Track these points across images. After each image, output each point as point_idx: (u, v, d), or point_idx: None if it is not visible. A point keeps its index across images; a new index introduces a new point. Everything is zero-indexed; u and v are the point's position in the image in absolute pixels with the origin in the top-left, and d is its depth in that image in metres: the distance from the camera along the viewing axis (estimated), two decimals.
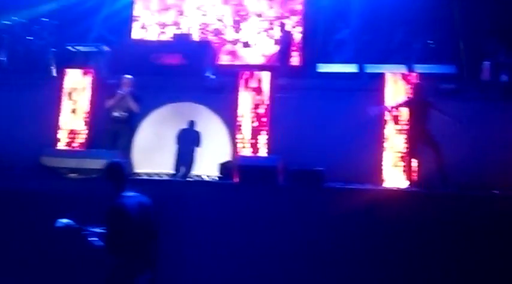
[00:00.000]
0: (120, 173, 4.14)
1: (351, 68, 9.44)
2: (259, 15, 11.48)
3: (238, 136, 8.49)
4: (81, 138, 8.56)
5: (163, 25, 11.69)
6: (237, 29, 11.52)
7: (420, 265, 5.71)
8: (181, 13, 11.71)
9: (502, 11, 9.29)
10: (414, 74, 8.31)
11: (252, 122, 8.47)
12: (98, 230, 4.08)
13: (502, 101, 8.24)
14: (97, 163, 6.65)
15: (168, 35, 11.35)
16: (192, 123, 8.76)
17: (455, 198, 6.12)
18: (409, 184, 7.34)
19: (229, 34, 11.52)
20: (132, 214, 3.98)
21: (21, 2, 10.23)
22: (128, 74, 8.37)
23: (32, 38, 9.84)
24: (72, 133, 8.58)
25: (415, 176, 7.47)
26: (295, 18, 11.32)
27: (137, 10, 11.76)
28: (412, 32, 9.80)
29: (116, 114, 7.59)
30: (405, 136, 7.55)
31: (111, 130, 7.60)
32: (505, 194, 6.23)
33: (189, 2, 11.72)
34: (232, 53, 11.44)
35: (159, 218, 4.26)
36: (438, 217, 5.83)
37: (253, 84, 8.62)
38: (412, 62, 8.99)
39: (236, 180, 6.62)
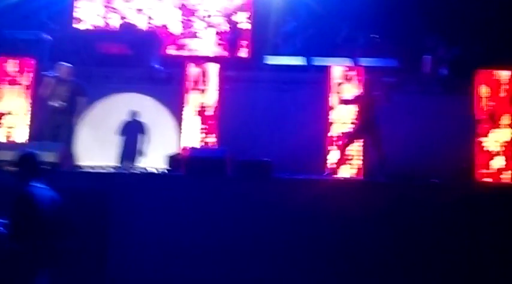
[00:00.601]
0: (32, 164, 4.09)
1: (298, 61, 9.55)
2: (208, 7, 11.39)
3: (186, 127, 8.42)
4: (23, 130, 8.23)
5: (108, 13, 11.35)
6: (186, 20, 11.37)
7: (366, 252, 5.89)
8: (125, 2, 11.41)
9: (441, 7, 9.67)
10: (359, 68, 8.53)
11: (200, 114, 8.42)
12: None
13: (441, 94, 8.62)
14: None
15: (113, 24, 11.04)
16: (134, 114, 8.60)
17: (396, 187, 6.34)
18: (353, 174, 7.56)
19: (177, 24, 11.35)
20: (40, 205, 3.92)
21: None
22: (71, 64, 8.09)
23: None
24: (13, 125, 8.23)
25: (359, 166, 7.70)
26: (243, 11, 11.30)
27: None
28: (357, 26, 10.03)
29: (54, 104, 7.29)
30: (351, 128, 7.73)
31: (51, 122, 7.31)
32: (443, 183, 6.53)
33: None
34: (181, 44, 11.28)
35: (69, 218, 4.15)
36: (381, 205, 6.02)
37: (200, 74, 8.55)
38: (356, 55, 9.21)
39: (184, 171, 6.58)
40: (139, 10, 11.24)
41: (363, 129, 7.30)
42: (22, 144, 7.64)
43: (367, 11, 10.01)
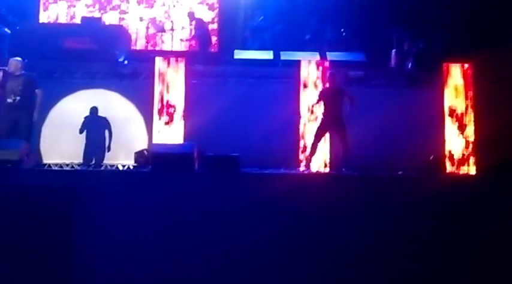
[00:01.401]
0: None
1: (266, 55, 9.53)
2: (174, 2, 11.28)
3: (153, 123, 8.30)
4: None
5: (72, 7, 11.11)
6: (152, 13, 11.23)
7: (336, 245, 5.90)
8: None
9: (406, 2, 9.80)
10: (326, 62, 8.56)
11: (167, 109, 8.31)
12: None
13: (408, 87, 8.73)
14: (1, 154, 6.25)
15: (77, 18, 10.80)
16: (95, 109, 8.43)
17: (364, 180, 6.39)
18: (322, 168, 7.60)
19: (144, 18, 11.20)
20: None
21: None
22: (33, 58, 7.88)
23: None
24: None
25: (326, 160, 7.74)
26: (211, 4, 11.23)
27: None
28: (325, 20, 10.07)
29: (9, 100, 7.07)
30: (318, 121, 7.75)
31: (8, 118, 7.08)
32: (408, 175, 6.62)
33: None
34: (149, 39, 11.14)
35: None
36: (350, 198, 6.04)
37: (170, 70, 8.44)
38: (324, 49, 9.24)
39: (151, 168, 6.48)
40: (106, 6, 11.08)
41: (328, 122, 7.32)
42: None
43: (335, 6, 10.07)
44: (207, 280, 5.75)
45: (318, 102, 7.51)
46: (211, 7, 11.21)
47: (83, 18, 10.01)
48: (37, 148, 8.47)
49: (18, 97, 7.03)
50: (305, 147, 7.94)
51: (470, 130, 8.02)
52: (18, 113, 7.03)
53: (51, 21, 10.86)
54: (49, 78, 8.43)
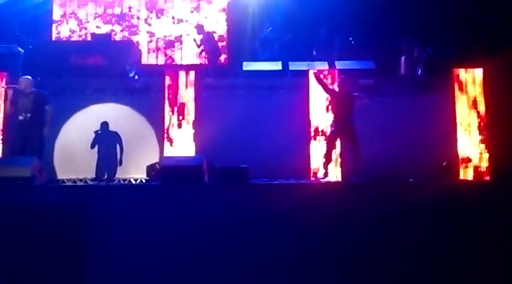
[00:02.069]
0: None
1: (275, 66, 9.56)
2: (182, 17, 11.41)
3: (164, 136, 8.36)
4: None
5: (82, 25, 11.31)
6: (160, 27, 11.37)
7: (349, 254, 5.85)
8: (99, 12, 11.37)
9: (414, 8, 9.77)
10: (335, 70, 8.55)
11: (178, 122, 8.36)
12: None
13: (417, 94, 8.68)
14: (13, 171, 6.34)
15: (87, 35, 10.98)
16: (106, 124, 8.53)
17: (375, 188, 6.34)
18: (333, 177, 7.55)
19: (154, 32, 11.35)
20: None
21: None
22: (46, 76, 8.01)
23: None
24: None
25: (339, 168, 7.69)
26: (220, 17, 11.33)
27: (54, 9, 11.29)
28: (334, 30, 10.07)
29: (20, 117, 7.20)
30: (329, 130, 7.72)
31: (19, 135, 7.20)
32: (420, 182, 6.55)
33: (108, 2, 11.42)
34: (157, 53, 11.26)
35: None
36: (359, 206, 6.00)
37: (180, 83, 8.50)
38: (333, 58, 9.24)
39: (161, 181, 6.52)
40: (116, 18, 11.25)
41: (340, 128, 7.30)
42: None
43: (343, 15, 10.07)
44: None
45: (329, 99, 7.44)
46: (219, 20, 11.30)
47: (93, 35, 10.17)
48: (50, 164, 8.58)
49: (29, 115, 7.16)
50: (316, 157, 7.91)
51: (483, 135, 7.92)
52: (30, 130, 7.14)
53: (63, 39, 11.05)
54: (61, 95, 8.57)
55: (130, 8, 11.37)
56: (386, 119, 8.16)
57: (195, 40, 10.27)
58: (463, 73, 8.10)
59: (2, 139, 8.01)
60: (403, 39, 9.35)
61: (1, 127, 8.05)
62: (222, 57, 10.78)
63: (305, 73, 8.48)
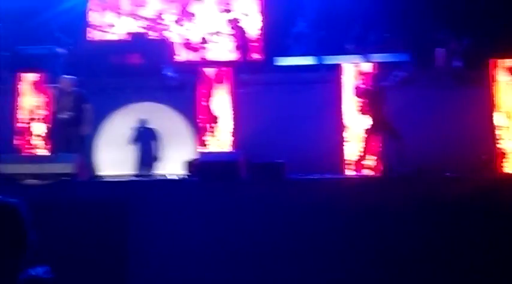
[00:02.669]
0: None
1: (308, 61, 9.55)
2: (216, 11, 11.49)
3: (201, 133, 8.50)
4: (41, 143, 8.39)
5: (117, 24, 11.54)
6: (194, 25, 11.49)
7: (387, 250, 5.84)
8: (135, 11, 11.58)
9: (449, 0, 9.58)
10: (370, 64, 8.49)
11: (214, 118, 8.48)
12: None
13: (454, 87, 8.52)
14: (56, 168, 6.58)
15: (125, 35, 11.21)
16: (143, 121, 8.72)
17: (414, 182, 6.31)
18: (370, 171, 7.51)
19: (187, 31, 11.48)
20: None
21: None
22: (85, 76, 8.25)
23: None
24: (31, 138, 8.40)
25: (375, 163, 7.64)
26: (253, 13, 11.37)
27: (90, 11, 11.56)
28: (368, 23, 9.98)
29: (62, 116, 7.46)
30: (365, 124, 7.69)
31: (61, 133, 7.47)
32: (456, 176, 6.46)
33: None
34: (192, 50, 11.39)
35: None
36: (399, 201, 5.98)
37: (213, 80, 8.63)
38: (367, 52, 9.17)
39: (199, 176, 6.64)
40: (149, 19, 11.44)
41: (376, 125, 7.26)
42: (40, 156, 7.80)
43: (377, 8, 9.96)
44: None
45: (362, 101, 7.46)
46: (253, 16, 11.35)
47: (130, 35, 10.39)
48: (91, 161, 8.85)
49: (70, 113, 7.42)
50: (351, 151, 7.89)
51: None
52: (71, 128, 7.41)
53: (100, 39, 11.31)
54: (101, 94, 8.81)
55: (163, 9, 11.53)
56: (422, 112, 8.06)
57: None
58: (501, 64, 7.89)
59: (46, 137, 8.33)
60: (439, 30, 9.18)
61: (45, 125, 8.38)
62: (256, 54, 10.84)
63: (339, 67, 8.47)
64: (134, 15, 11.43)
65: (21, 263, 3.57)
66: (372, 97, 7.36)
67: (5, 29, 9.77)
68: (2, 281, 3.49)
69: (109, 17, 11.50)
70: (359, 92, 7.58)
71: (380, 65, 8.46)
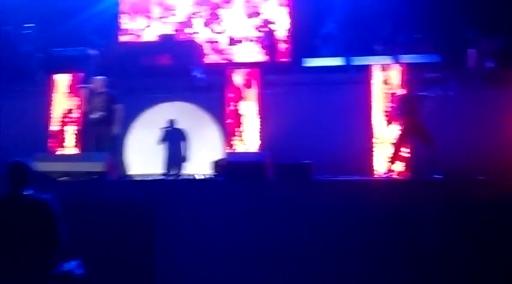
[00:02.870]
0: (19, 172, 3.74)
1: (337, 61, 9.51)
2: (244, 12, 11.56)
3: (229, 133, 8.56)
4: (72, 142, 8.61)
5: (148, 26, 11.74)
6: (223, 27, 11.59)
7: (414, 253, 5.75)
8: (164, 12, 11.75)
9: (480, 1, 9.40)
10: (399, 65, 8.40)
11: (241, 119, 8.53)
12: None
13: (486, 87, 8.34)
14: (87, 166, 6.73)
15: (154, 35, 11.39)
16: (172, 122, 8.82)
17: (444, 185, 6.20)
18: (399, 173, 7.43)
19: (215, 31, 11.58)
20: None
21: (5, 10, 10.24)
22: (116, 77, 8.42)
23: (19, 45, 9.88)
24: (62, 137, 8.63)
25: (405, 165, 7.56)
26: (281, 14, 11.39)
27: (121, 13, 11.79)
28: (397, 23, 9.88)
29: (93, 116, 7.62)
30: (396, 127, 7.59)
31: (93, 133, 7.63)
32: (489, 179, 6.31)
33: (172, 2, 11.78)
34: (220, 51, 11.49)
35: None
36: (428, 204, 5.88)
37: (241, 80, 8.68)
38: (397, 52, 9.07)
39: (226, 177, 6.68)
40: (179, 22, 11.59)
41: (409, 129, 7.17)
42: (71, 155, 8.00)
43: (406, 8, 9.85)
44: None
45: (396, 109, 7.40)
46: (282, 17, 11.36)
47: (160, 36, 10.54)
48: (121, 160, 9.03)
49: (101, 113, 7.58)
50: (379, 153, 7.83)
51: None
52: (102, 128, 7.56)
53: (131, 41, 11.52)
54: (131, 94, 8.97)
55: (192, 12, 11.65)
56: (453, 114, 7.92)
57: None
58: None
59: (77, 136, 8.54)
60: (470, 30, 9.01)
61: (77, 125, 8.58)
62: (284, 55, 10.85)
63: (368, 68, 8.40)
64: (164, 18, 11.61)
65: (53, 254, 3.73)
66: (407, 102, 7.26)
67: (38, 32, 10.07)
68: (36, 271, 3.64)
69: (139, 20, 11.71)
70: (396, 99, 7.48)
71: (410, 66, 8.36)
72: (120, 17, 11.71)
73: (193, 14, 11.58)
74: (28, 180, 3.73)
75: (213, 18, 11.51)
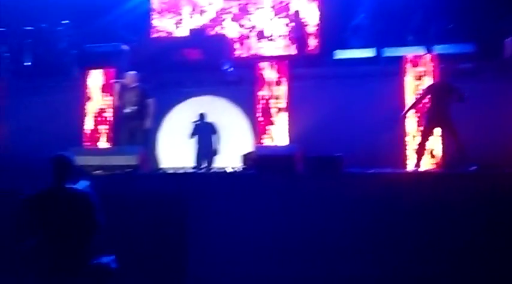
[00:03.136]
0: (62, 165, 3.90)
1: (368, 53, 9.38)
2: (273, 6, 11.53)
3: (258, 126, 8.58)
4: (106, 136, 8.79)
5: (179, 21, 11.85)
6: (251, 21, 11.59)
7: (447, 247, 5.67)
8: (194, 8, 11.83)
9: None
10: (432, 55, 8.24)
11: (271, 112, 8.54)
12: None
13: None
14: (121, 160, 6.86)
15: (184, 31, 11.49)
16: (202, 116, 8.90)
17: (476, 177, 6.07)
18: (429, 166, 7.31)
19: (244, 26, 11.59)
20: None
21: (40, 7, 10.51)
22: (148, 72, 8.54)
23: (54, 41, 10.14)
24: (96, 131, 8.82)
25: (435, 158, 7.43)
26: (311, 6, 11.31)
27: (153, 9, 11.93)
28: (429, 12, 9.66)
29: (126, 110, 7.75)
30: (424, 119, 7.46)
31: (126, 127, 7.77)
32: None
33: None
34: (249, 45, 11.51)
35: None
36: (460, 197, 5.78)
37: (270, 74, 8.68)
38: (430, 43, 8.88)
39: (256, 170, 6.71)
40: (209, 16, 11.65)
41: (435, 120, 7.03)
42: (105, 149, 8.17)
43: None
44: (309, 278, 5.81)
45: (423, 98, 7.26)
46: (311, 9, 11.28)
47: (191, 31, 10.63)
48: (154, 154, 9.17)
49: (134, 108, 7.71)
50: (411, 146, 7.72)
51: None
52: (135, 122, 7.69)
53: (162, 36, 11.66)
54: (162, 89, 9.09)
55: (222, 7, 11.69)
56: (488, 106, 7.72)
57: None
58: None
59: (111, 130, 8.72)
60: (506, 19, 8.73)
61: (110, 119, 8.77)
62: (313, 47, 10.79)
63: (399, 59, 8.27)
64: (194, 14, 11.70)
65: (91, 244, 3.86)
66: (436, 92, 7.11)
67: (72, 28, 10.29)
68: (75, 260, 3.79)
69: (170, 16, 11.84)
70: (426, 88, 7.35)
71: (443, 56, 8.19)
72: (151, 13, 11.86)
73: (223, 9, 11.62)
74: (70, 173, 3.91)
75: (242, 13, 11.52)
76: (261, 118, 8.60)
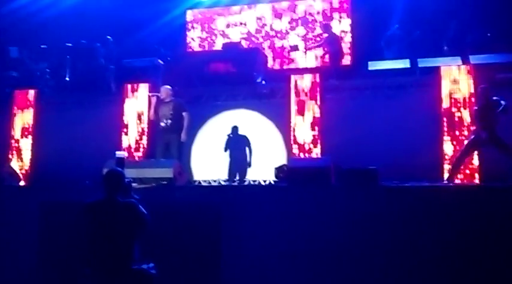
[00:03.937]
0: (114, 180, 4.40)
1: (403, 64, 9.27)
2: (307, 18, 11.57)
3: (291, 139, 8.57)
4: (142, 149, 8.96)
5: (213, 35, 12.02)
6: (286, 34, 11.65)
7: (486, 261, 5.51)
8: (228, 22, 11.99)
9: None
10: (469, 65, 8.07)
11: (304, 124, 8.52)
12: None
13: None
14: (156, 173, 6.97)
15: (218, 45, 11.65)
16: (236, 129, 8.96)
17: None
18: (470, 180, 7.13)
19: (278, 39, 11.66)
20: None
21: (79, 25, 10.87)
22: (183, 86, 8.67)
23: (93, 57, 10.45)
24: (133, 144, 9.00)
25: (473, 172, 7.24)
26: (344, 18, 11.30)
27: (188, 24, 12.15)
28: (465, 21, 9.48)
29: (162, 124, 7.87)
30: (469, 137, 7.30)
31: (162, 140, 7.88)
32: None
33: (235, 11, 12.00)
34: (283, 58, 11.56)
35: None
36: (498, 211, 5.61)
37: (304, 86, 8.67)
38: (466, 53, 8.71)
39: (289, 182, 6.69)
40: (242, 30, 11.78)
41: (482, 140, 6.87)
42: (142, 162, 8.31)
43: (476, 4, 9.45)
44: None
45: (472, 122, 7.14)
46: (344, 21, 11.27)
47: (224, 45, 10.76)
48: (188, 166, 9.28)
49: (169, 121, 7.82)
50: (448, 159, 7.56)
51: None
52: (170, 135, 7.80)
53: (196, 50, 11.85)
54: (196, 102, 9.23)
55: (258, 18, 11.80)
56: None
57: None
58: None
59: (148, 143, 8.89)
60: None
61: (147, 132, 8.94)
62: (346, 59, 10.75)
63: (435, 70, 8.14)
64: (228, 28, 11.86)
65: (136, 248, 4.30)
66: (481, 113, 6.94)
67: (110, 44, 10.59)
68: (121, 265, 4.16)
69: (204, 30, 12.04)
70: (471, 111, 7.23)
71: (481, 67, 8.01)
72: (186, 28, 12.09)
73: (257, 23, 11.74)
74: (121, 187, 4.39)
75: (276, 26, 11.61)
76: (293, 131, 8.57)
